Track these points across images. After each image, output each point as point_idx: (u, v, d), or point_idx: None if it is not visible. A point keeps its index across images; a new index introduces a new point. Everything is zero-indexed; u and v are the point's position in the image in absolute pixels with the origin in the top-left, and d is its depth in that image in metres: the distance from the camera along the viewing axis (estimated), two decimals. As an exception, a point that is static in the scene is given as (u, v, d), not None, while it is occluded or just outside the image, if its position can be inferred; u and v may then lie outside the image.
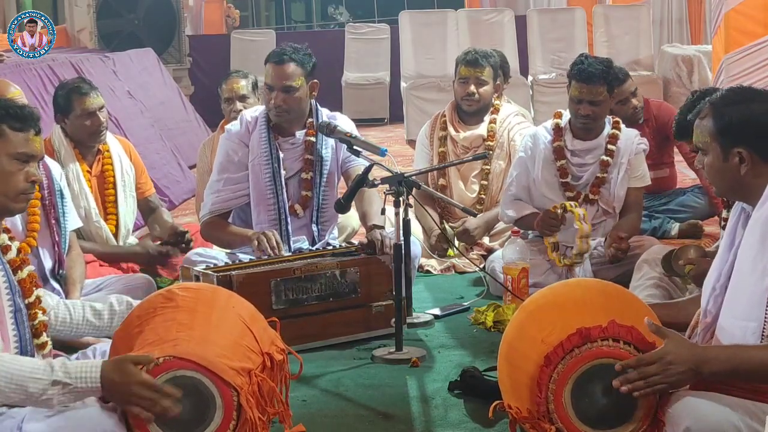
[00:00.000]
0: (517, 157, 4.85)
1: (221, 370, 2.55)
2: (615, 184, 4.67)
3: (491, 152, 5.17)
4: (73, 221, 4.08)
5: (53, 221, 3.90)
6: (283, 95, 4.22)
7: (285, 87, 4.22)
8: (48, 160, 4.09)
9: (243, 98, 5.33)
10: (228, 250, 4.48)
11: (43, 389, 2.44)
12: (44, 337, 2.80)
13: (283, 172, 4.31)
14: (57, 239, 3.91)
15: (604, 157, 4.66)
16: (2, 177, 2.72)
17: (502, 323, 3.98)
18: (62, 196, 3.98)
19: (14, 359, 2.51)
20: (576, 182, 4.71)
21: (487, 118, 5.34)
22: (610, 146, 4.66)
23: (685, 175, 6.79)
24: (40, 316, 2.79)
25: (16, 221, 3.72)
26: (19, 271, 2.75)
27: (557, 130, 4.72)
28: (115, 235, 4.67)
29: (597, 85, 4.52)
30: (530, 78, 10.69)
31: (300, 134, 4.36)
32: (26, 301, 2.74)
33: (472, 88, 5.23)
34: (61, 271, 3.92)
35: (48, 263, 3.88)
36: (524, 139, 4.88)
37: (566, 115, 4.75)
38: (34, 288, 2.78)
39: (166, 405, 2.48)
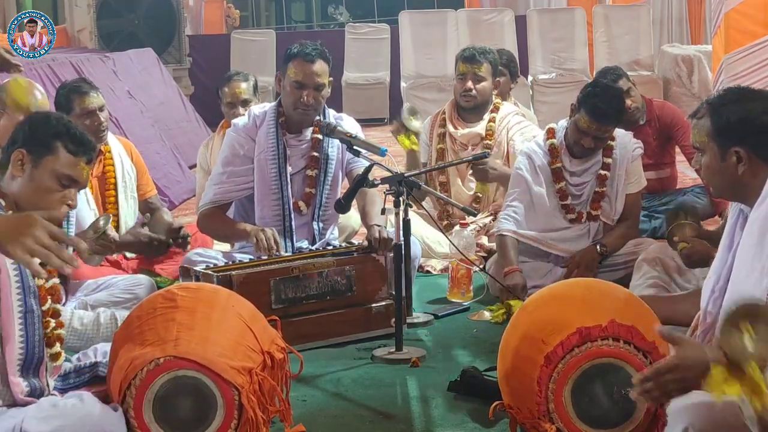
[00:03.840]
0: (514, 176, 4.80)
1: (222, 370, 2.56)
2: (615, 199, 4.63)
3: (489, 151, 5.16)
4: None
5: None
6: (314, 93, 4.22)
7: (317, 85, 4.22)
8: None
9: (245, 102, 5.28)
10: (223, 250, 4.48)
11: None
12: (57, 348, 2.78)
13: (289, 169, 4.31)
14: None
15: (602, 171, 4.61)
16: (39, 191, 2.74)
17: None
18: (67, 219, 3.84)
19: None
20: (576, 201, 4.65)
21: (486, 116, 5.35)
22: (606, 159, 4.61)
23: (685, 175, 6.79)
24: (53, 326, 2.77)
25: None
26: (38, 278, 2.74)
27: (553, 151, 4.64)
28: (116, 236, 4.66)
29: (608, 125, 4.45)
30: (530, 78, 10.70)
31: (307, 131, 4.37)
32: (42, 308, 2.73)
33: (470, 84, 5.24)
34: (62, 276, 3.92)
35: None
36: (519, 157, 4.83)
37: (558, 131, 4.66)
38: (49, 297, 2.77)
39: (65, 257, 2.05)
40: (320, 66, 4.22)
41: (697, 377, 2.40)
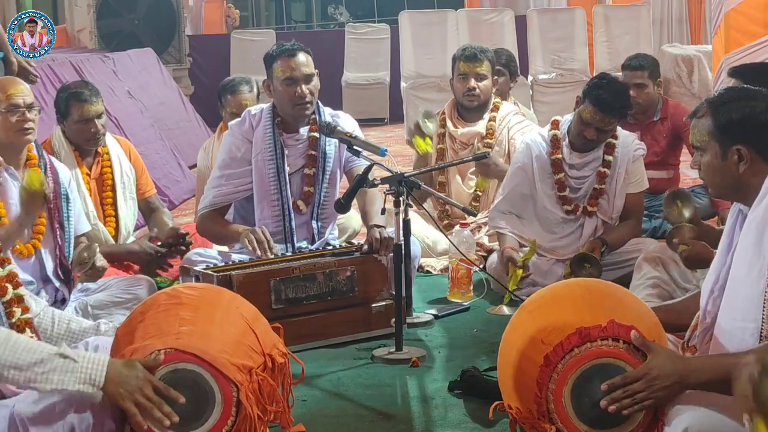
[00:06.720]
0: (513, 166, 4.82)
1: (222, 365, 2.55)
2: (614, 196, 4.65)
3: (490, 150, 5.17)
4: (81, 225, 4.11)
5: (56, 225, 3.91)
6: (306, 85, 4.24)
7: (306, 76, 4.25)
8: (56, 163, 4.11)
9: None
10: (220, 250, 4.48)
11: (48, 358, 2.41)
12: (28, 334, 2.78)
13: (287, 169, 4.32)
14: (60, 243, 3.91)
15: (602, 169, 4.62)
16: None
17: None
18: (68, 200, 3.99)
19: (20, 336, 2.52)
20: (574, 195, 4.67)
21: (486, 115, 5.37)
22: (607, 157, 4.62)
23: (686, 175, 6.79)
24: (19, 314, 2.78)
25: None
26: None
27: (555, 142, 4.67)
28: (115, 238, 4.65)
29: (611, 117, 4.47)
30: (530, 78, 10.69)
31: (304, 130, 4.37)
32: (2, 300, 2.74)
33: (473, 83, 5.27)
34: (67, 273, 3.93)
35: (49, 265, 3.89)
36: (519, 147, 4.86)
37: (563, 123, 4.70)
38: (9, 286, 2.77)
39: (166, 411, 2.46)
40: (304, 57, 4.26)
41: (664, 388, 2.41)
